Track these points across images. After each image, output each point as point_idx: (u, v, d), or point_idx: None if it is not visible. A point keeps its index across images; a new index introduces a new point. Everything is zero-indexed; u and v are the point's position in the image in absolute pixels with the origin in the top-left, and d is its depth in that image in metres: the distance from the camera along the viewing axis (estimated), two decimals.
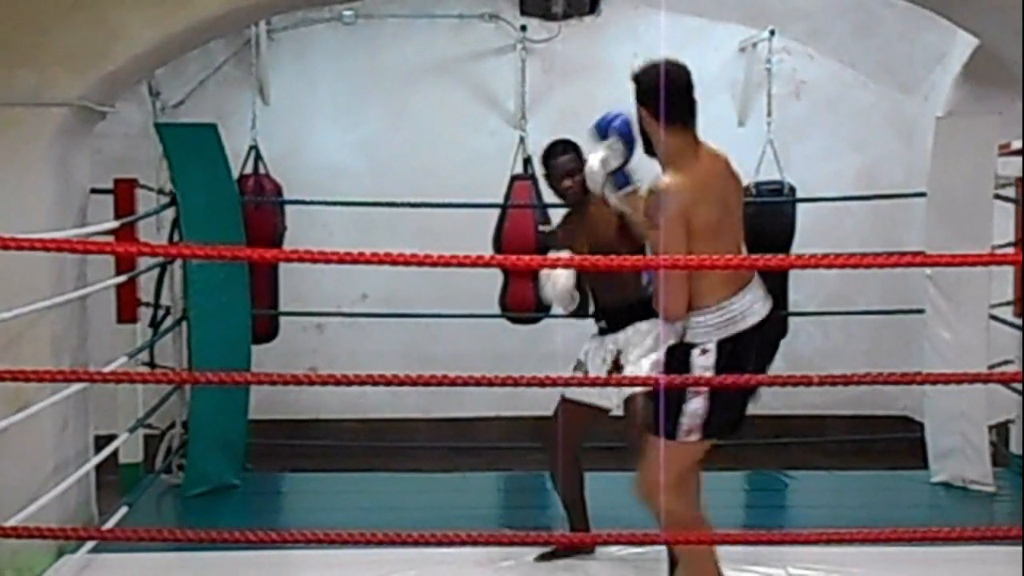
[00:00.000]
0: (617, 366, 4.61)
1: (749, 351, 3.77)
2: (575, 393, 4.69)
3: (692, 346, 3.77)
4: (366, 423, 8.01)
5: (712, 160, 3.87)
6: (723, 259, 3.58)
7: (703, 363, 3.74)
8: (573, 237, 4.65)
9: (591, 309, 4.78)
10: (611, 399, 4.65)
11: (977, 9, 5.42)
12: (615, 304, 4.66)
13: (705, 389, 3.73)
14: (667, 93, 3.72)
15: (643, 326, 4.60)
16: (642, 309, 4.54)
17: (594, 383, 4.70)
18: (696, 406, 3.75)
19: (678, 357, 3.79)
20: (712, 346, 3.74)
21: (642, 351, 4.58)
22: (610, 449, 4.78)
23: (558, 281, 4.55)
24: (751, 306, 3.80)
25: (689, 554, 3.96)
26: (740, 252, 3.90)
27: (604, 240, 4.50)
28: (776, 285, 6.93)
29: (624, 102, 8.88)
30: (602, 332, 4.71)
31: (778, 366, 7.35)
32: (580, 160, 4.64)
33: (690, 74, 3.82)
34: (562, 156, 4.73)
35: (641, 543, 4.54)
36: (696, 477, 4.02)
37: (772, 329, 3.95)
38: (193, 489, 5.87)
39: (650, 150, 3.91)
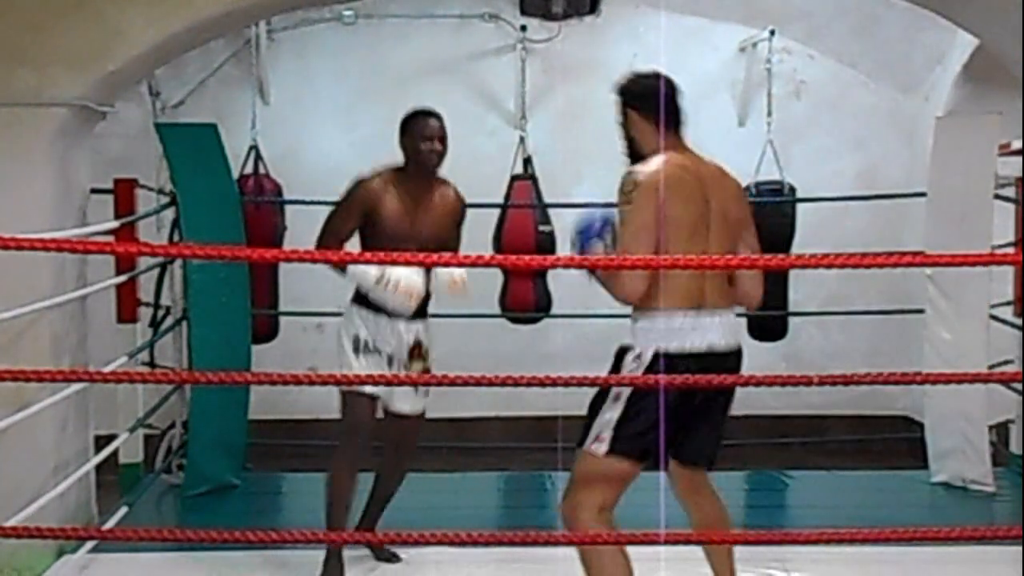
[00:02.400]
0: (420, 355, 4.82)
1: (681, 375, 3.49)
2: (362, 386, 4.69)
3: (629, 349, 3.60)
4: None
5: (698, 163, 3.73)
6: (722, 259, 3.57)
7: (632, 369, 3.56)
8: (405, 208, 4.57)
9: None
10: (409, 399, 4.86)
11: (977, 9, 5.42)
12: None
13: (624, 398, 3.53)
14: (656, 96, 3.73)
15: (431, 321, 4.79)
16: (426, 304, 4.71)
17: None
18: (609, 416, 3.56)
19: (615, 359, 3.62)
20: (648, 354, 3.55)
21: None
22: None
23: (408, 283, 4.44)
24: (706, 328, 3.58)
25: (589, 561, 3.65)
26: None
27: (440, 228, 4.58)
28: (776, 285, 6.98)
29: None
30: (393, 316, 4.66)
31: (778, 366, 7.45)
32: (445, 130, 4.64)
33: (675, 84, 3.84)
34: (433, 118, 4.63)
35: (641, 543, 4.54)
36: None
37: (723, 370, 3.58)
38: (193, 489, 5.87)
39: (635, 155, 3.81)
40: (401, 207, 4.58)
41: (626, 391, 3.55)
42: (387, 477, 4.93)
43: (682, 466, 3.85)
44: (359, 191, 4.63)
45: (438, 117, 4.65)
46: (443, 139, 4.61)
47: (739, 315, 7.37)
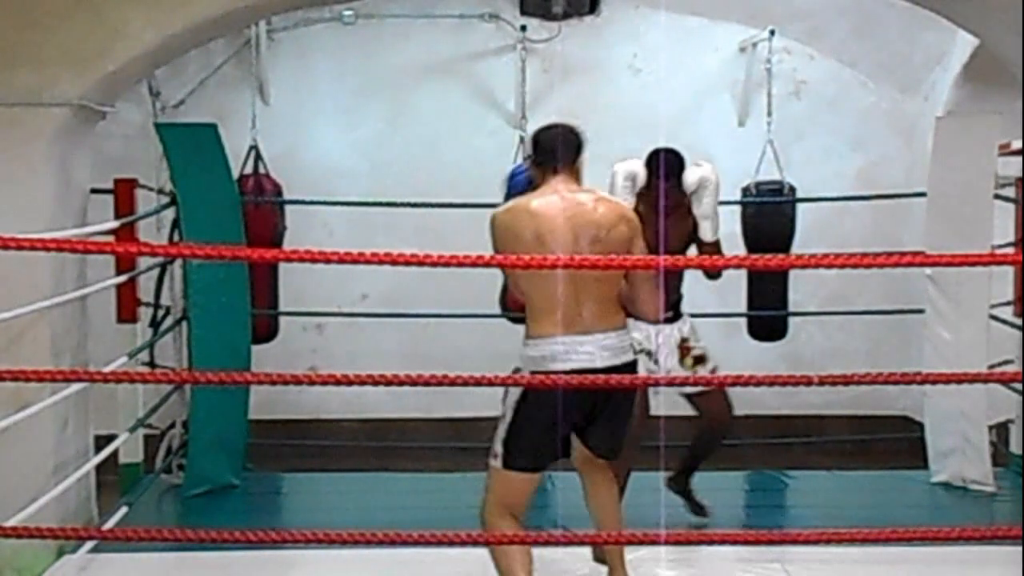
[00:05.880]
0: (688, 350, 5.12)
1: (549, 399, 3.82)
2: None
3: (518, 370, 4.02)
4: (366, 423, 8.01)
5: (557, 201, 4.00)
6: (718, 259, 3.57)
7: (512, 391, 3.96)
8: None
9: None
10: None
11: (977, 9, 5.42)
12: (677, 295, 5.13)
13: (510, 417, 3.92)
14: (538, 147, 4.17)
15: (689, 319, 5.21)
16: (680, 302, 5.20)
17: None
18: (498, 432, 3.98)
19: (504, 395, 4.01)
20: (525, 375, 3.94)
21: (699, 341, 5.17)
22: None
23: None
24: (578, 351, 3.88)
25: (497, 562, 4.01)
26: (582, 292, 3.92)
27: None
28: (776, 285, 6.97)
29: (622, 102, 8.85)
30: (665, 321, 5.03)
31: (778, 366, 7.45)
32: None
33: (563, 132, 4.19)
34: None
35: (641, 543, 4.54)
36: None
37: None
38: (193, 489, 5.87)
39: None
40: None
41: (509, 411, 3.95)
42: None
43: (585, 450, 4.18)
44: None
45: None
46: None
47: (740, 315, 7.38)
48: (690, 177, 4.91)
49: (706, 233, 4.92)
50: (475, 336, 7.61)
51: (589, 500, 4.30)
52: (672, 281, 5.07)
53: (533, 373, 3.90)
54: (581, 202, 4.03)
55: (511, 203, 4.13)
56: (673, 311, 5.12)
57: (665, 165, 4.95)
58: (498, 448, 3.95)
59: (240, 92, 7.78)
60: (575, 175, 4.13)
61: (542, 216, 3.96)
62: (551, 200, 4.01)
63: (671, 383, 4.91)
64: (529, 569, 3.94)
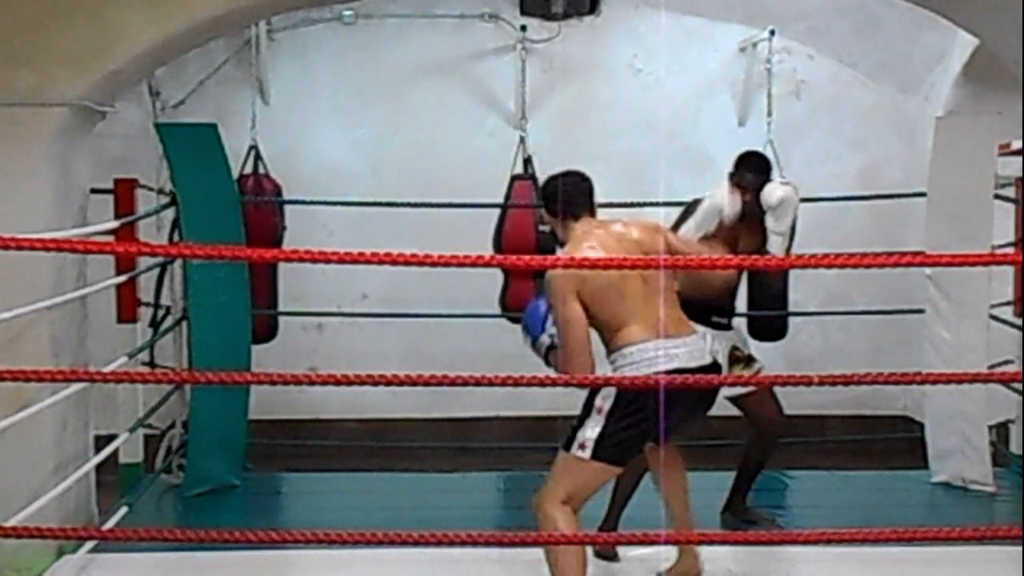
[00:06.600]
0: (738, 359, 5.10)
1: (652, 398, 3.86)
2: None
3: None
4: (366, 423, 8.01)
5: (605, 235, 4.14)
6: (725, 259, 3.58)
7: (605, 395, 3.97)
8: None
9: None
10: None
11: (977, 9, 5.42)
12: (731, 303, 5.16)
13: (604, 414, 3.94)
14: (553, 196, 4.23)
15: (739, 329, 5.33)
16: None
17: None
18: (591, 432, 3.96)
19: (589, 394, 4.04)
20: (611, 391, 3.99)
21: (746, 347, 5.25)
22: None
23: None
24: (673, 353, 3.99)
25: (553, 558, 4.00)
26: (657, 304, 4.04)
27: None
28: (776, 285, 6.97)
29: (622, 102, 8.84)
30: (719, 328, 4.96)
31: (778, 366, 7.46)
32: None
33: (577, 180, 4.27)
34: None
35: (640, 543, 4.54)
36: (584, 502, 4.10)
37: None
38: (193, 489, 5.87)
39: (556, 242, 4.34)
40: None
41: (606, 409, 3.94)
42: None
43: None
44: None
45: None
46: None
47: (741, 315, 7.38)
48: (773, 195, 4.85)
49: (774, 247, 4.90)
50: (475, 336, 7.62)
51: (664, 492, 4.44)
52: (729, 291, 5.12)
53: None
54: (620, 230, 4.19)
55: (572, 249, 4.14)
56: (728, 319, 5.15)
57: (752, 169, 5.02)
58: (588, 440, 3.95)
59: (240, 92, 7.78)
60: (592, 216, 4.26)
61: (607, 250, 4.09)
62: (598, 238, 4.13)
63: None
64: (583, 571, 3.97)
